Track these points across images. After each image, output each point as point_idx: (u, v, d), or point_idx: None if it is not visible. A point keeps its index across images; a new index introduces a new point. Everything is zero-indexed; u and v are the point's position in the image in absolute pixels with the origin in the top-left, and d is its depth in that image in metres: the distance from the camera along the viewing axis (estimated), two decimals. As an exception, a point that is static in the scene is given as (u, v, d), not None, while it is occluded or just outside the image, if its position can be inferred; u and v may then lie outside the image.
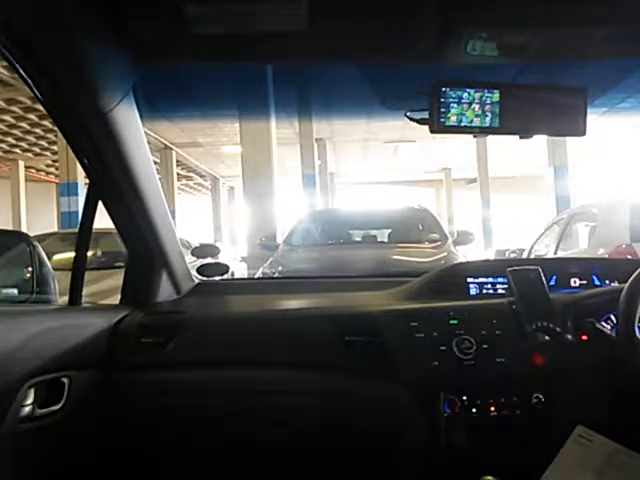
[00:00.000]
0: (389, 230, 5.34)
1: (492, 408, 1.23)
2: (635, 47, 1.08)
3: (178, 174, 14.71)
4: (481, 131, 1.10)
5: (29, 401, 1.11)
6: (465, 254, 4.77)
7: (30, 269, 1.59)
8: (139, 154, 1.25)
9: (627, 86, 6.95)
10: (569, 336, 1.25)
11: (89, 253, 1.38)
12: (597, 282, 1.50)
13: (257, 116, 7.07)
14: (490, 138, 1.22)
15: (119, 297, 1.51)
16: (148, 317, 1.42)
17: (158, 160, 12.77)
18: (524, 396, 1.22)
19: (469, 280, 1.48)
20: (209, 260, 1.98)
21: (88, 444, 1.29)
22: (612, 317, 1.27)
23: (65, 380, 1.19)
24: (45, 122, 10.47)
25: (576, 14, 0.96)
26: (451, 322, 1.29)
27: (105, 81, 1.06)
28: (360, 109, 8.18)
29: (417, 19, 0.98)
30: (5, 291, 1.73)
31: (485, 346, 1.25)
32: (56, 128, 1.24)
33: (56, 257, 3.19)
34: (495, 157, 13.27)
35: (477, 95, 1.08)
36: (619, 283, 1.35)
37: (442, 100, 1.06)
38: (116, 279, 1.66)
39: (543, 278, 1.32)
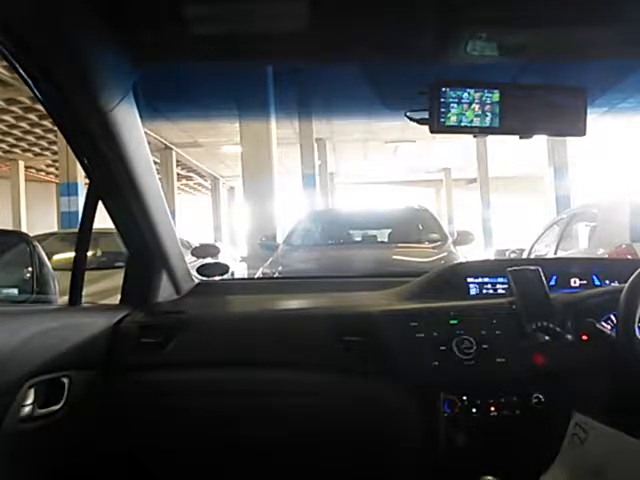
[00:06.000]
0: (389, 230, 5.33)
1: (492, 408, 1.23)
2: (635, 47, 1.09)
3: (178, 174, 14.70)
4: (481, 131, 1.10)
5: (29, 401, 1.11)
6: (465, 254, 4.77)
7: (30, 269, 1.59)
8: (139, 154, 1.25)
9: (627, 86, 6.94)
10: (569, 336, 1.25)
11: (89, 253, 1.38)
12: (597, 282, 1.50)
13: (257, 116, 7.07)
14: (490, 138, 1.21)
15: (119, 297, 1.52)
16: (148, 317, 1.42)
17: (158, 160, 12.76)
18: (524, 396, 1.22)
19: (469, 280, 1.48)
20: (209, 260, 1.98)
21: (88, 444, 1.29)
22: (612, 317, 1.27)
23: (65, 380, 1.19)
24: (45, 122, 10.47)
25: (576, 14, 0.96)
26: (451, 322, 1.29)
27: (105, 81, 1.06)
28: (360, 109, 8.16)
29: (417, 19, 0.98)
30: (5, 291, 1.73)
31: (485, 346, 1.25)
32: (56, 128, 1.24)
33: (56, 257, 3.20)
34: (495, 157, 13.27)
35: (477, 95, 1.07)
36: (619, 283, 1.35)
37: (442, 100, 1.06)
38: (116, 279, 1.66)
39: (543, 278, 1.32)
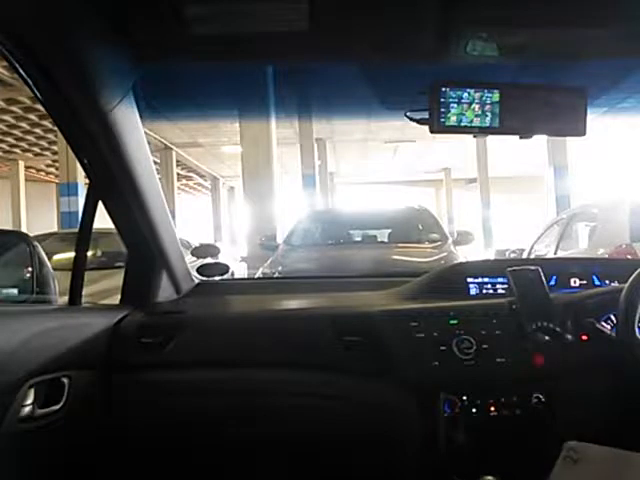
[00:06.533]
0: (389, 230, 5.34)
1: (492, 408, 1.23)
2: (635, 47, 1.09)
3: (178, 174, 14.71)
4: (481, 131, 1.10)
5: (29, 401, 1.10)
6: (465, 254, 4.77)
7: (30, 269, 1.59)
8: (139, 154, 1.25)
9: (627, 86, 6.95)
10: (569, 336, 1.25)
11: (89, 253, 1.38)
12: (597, 282, 1.50)
13: (257, 116, 7.08)
14: (490, 138, 1.21)
15: (119, 297, 1.52)
16: (148, 317, 1.42)
17: (158, 160, 12.77)
18: (524, 396, 1.23)
19: (469, 280, 1.48)
20: (209, 260, 1.99)
21: (88, 444, 1.29)
22: (612, 317, 1.27)
23: (65, 380, 1.19)
24: (45, 122, 10.47)
25: (576, 14, 0.96)
26: (451, 322, 1.29)
27: (105, 81, 1.06)
28: (360, 109, 8.17)
29: (417, 19, 0.98)
30: (5, 291, 1.73)
31: (485, 346, 1.25)
32: (56, 128, 1.24)
33: (56, 257, 3.19)
34: (495, 157, 13.27)
35: (477, 95, 1.07)
36: (619, 283, 1.35)
37: (442, 100, 1.06)
38: (116, 279, 1.66)
39: (543, 278, 1.32)
